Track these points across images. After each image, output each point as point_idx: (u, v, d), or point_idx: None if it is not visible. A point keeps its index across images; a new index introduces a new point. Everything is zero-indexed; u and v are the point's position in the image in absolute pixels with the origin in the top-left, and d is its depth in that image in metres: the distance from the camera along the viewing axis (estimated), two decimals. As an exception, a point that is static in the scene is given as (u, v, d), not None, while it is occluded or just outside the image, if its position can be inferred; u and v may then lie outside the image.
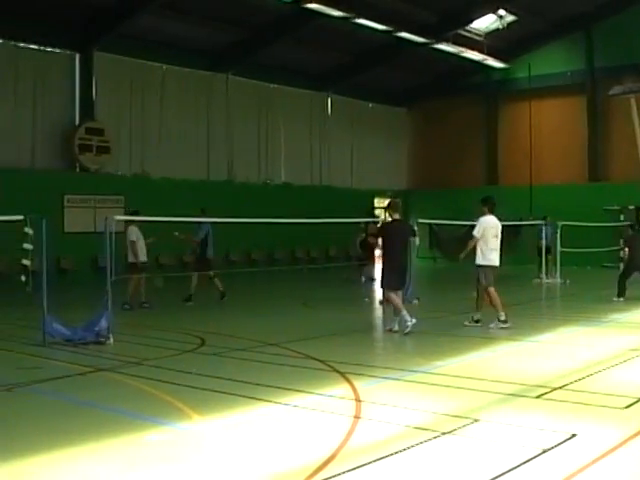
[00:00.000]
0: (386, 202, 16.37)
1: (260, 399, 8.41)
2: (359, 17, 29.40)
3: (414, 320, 13.50)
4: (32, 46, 27.42)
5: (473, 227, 14.87)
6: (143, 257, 18.60)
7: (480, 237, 14.51)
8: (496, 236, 14.65)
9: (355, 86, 37.57)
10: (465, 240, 15.32)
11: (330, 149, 37.98)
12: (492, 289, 14.59)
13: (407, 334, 13.41)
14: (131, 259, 18.33)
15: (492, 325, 14.33)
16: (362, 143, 39.57)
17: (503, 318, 14.34)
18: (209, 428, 7.38)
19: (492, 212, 14.84)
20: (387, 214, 14.72)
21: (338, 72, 36.39)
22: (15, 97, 26.88)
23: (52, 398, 8.93)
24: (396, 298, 13.90)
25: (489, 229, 14.58)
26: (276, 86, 35.14)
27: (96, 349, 12.26)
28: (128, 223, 18.78)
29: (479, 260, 14.64)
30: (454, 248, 15.92)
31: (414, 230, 15.61)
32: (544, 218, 27.28)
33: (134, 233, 18.42)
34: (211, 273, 19.85)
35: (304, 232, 30.72)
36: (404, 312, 13.68)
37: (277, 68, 34.07)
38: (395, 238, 14.14)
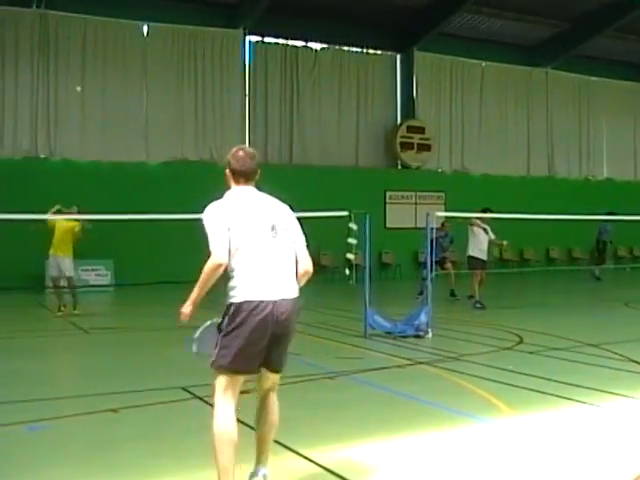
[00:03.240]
0: None
1: (576, 400, 8.25)
2: (690, 1, 27.79)
3: None
4: (355, 49, 28.60)
5: None
6: (480, 254, 18.01)
7: None
8: None
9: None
10: None
11: (657, 142, 36.10)
12: None
13: None
14: (472, 253, 18.10)
15: None
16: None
17: None
18: (522, 426, 7.34)
19: None
20: None
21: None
22: (340, 98, 28.20)
23: (371, 388, 9.26)
24: None
25: None
26: (597, 79, 33.96)
27: (415, 342, 12.61)
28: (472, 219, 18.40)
29: None
30: None
31: None
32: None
33: (478, 228, 18.09)
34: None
35: (625, 230, 29.47)
36: None
37: (598, 60, 32.95)
38: None
